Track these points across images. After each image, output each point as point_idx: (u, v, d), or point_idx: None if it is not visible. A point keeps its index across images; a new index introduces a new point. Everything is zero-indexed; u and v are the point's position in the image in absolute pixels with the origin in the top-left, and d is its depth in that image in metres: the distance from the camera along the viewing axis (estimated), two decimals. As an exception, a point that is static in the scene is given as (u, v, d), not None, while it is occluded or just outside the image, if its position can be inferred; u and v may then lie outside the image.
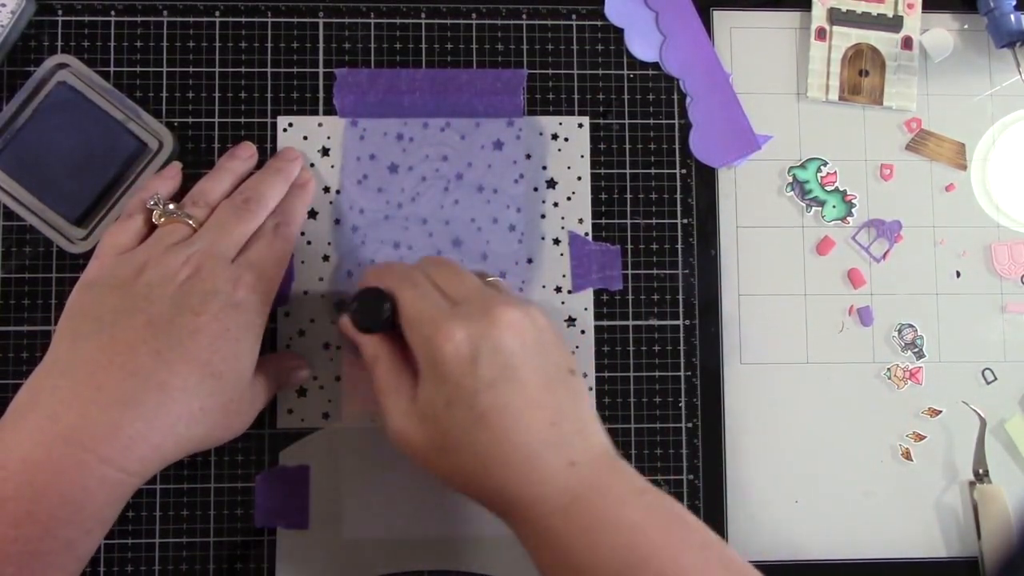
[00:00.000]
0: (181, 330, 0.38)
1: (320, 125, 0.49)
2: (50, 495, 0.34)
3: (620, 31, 0.50)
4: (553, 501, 0.36)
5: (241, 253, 0.42)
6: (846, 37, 0.51)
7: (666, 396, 0.48)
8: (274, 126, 0.49)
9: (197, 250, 0.41)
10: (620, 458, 0.38)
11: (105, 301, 0.39)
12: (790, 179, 0.50)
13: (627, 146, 0.50)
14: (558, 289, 0.49)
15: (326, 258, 0.48)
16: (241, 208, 0.43)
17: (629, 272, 0.49)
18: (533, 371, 0.37)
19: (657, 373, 0.49)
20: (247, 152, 0.47)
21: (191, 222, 0.42)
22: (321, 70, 0.49)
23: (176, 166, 0.46)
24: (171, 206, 0.43)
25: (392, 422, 0.38)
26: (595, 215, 0.49)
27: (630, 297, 0.49)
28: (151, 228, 0.43)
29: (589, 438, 0.37)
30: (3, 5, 0.46)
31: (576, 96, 0.50)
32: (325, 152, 0.49)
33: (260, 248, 0.43)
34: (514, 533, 0.37)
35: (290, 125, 0.49)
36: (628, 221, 0.49)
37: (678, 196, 0.50)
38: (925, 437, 0.49)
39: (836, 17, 0.51)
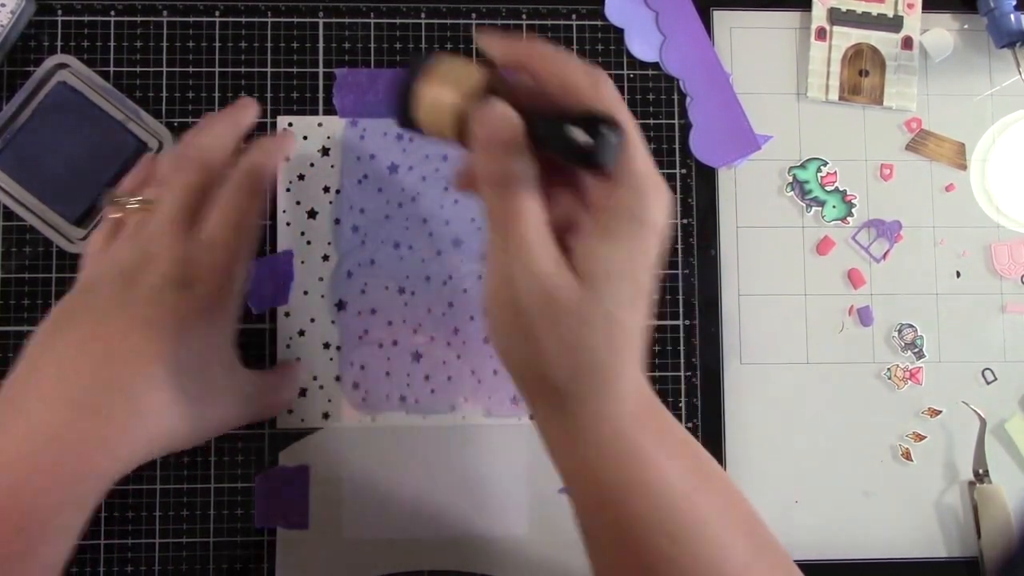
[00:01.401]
0: (129, 325, 0.36)
1: (320, 125, 0.49)
2: (3, 500, 0.33)
3: (620, 31, 0.50)
4: (630, 403, 0.33)
5: (200, 218, 0.39)
6: (846, 37, 0.51)
7: (666, 396, 0.48)
8: (274, 126, 0.49)
9: (144, 236, 0.38)
10: None
11: (65, 306, 0.38)
12: (790, 179, 0.50)
13: (627, 146, 0.50)
14: (558, 289, 0.49)
15: (326, 258, 0.48)
16: (180, 166, 0.39)
17: (629, 272, 0.49)
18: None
19: (657, 373, 0.49)
20: (210, 122, 0.43)
21: (148, 205, 0.40)
22: (321, 70, 0.49)
23: (148, 157, 0.45)
24: (131, 197, 0.41)
25: (540, 266, 0.31)
26: (595, 215, 0.49)
27: (630, 297, 0.49)
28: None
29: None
30: (3, 5, 0.46)
31: (576, 96, 0.50)
32: (325, 152, 0.49)
33: (216, 210, 0.39)
34: (570, 444, 0.34)
35: (290, 125, 0.49)
36: (628, 221, 0.49)
37: (678, 196, 0.50)
38: (925, 437, 0.49)
39: (836, 17, 0.51)
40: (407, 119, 0.33)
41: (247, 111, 0.44)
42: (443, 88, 0.32)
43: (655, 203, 0.32)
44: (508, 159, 0.31)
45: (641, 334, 0.34)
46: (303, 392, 0.47)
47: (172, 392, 0.36)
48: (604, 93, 0.32)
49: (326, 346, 0.48)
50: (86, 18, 0.48)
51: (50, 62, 0.46)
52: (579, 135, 0.29)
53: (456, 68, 0.33)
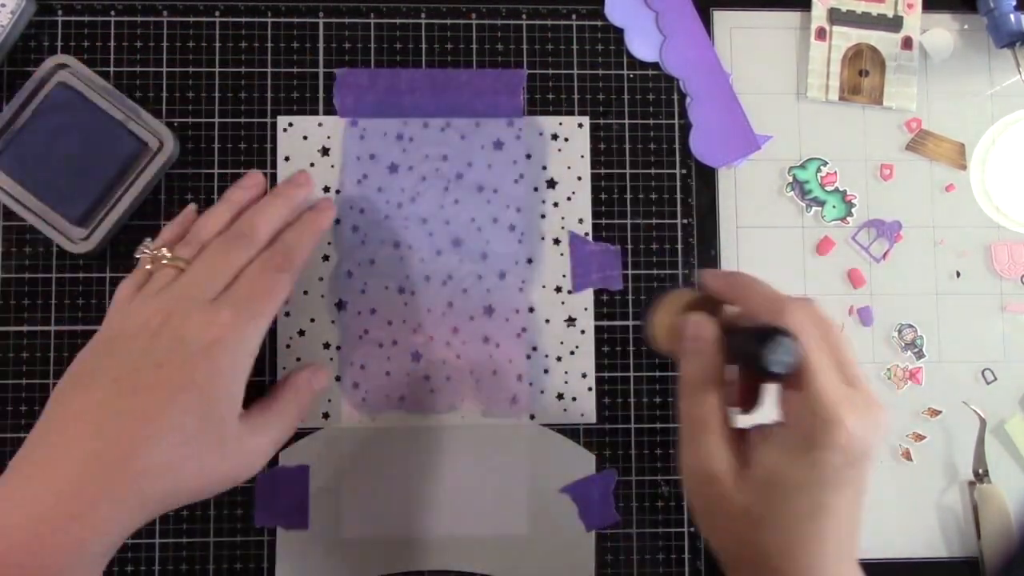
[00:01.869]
0: (140, 385, 0.37)
1: (320, 125, 0.49)
2: (11, 556, 0.34)
3: (620, 31, 0.50)
4: None
5: (228, 288, 0.41)
6: (846, 37, 0.51)
7: (666, 396, 0.48)
8: (274, 126, 0.49)
9: (172, 295, 0.40)
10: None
11: (88, 359, 0.39)
12: (790, 179, 0.50)
13: (627, 146, 0.50)
14: (558, 289, 0.49)
15: (326, 258, 0.48)
16: (230, 242, 0.42)
17: (629, 272, 0.49)
18: (865, 484, 0.35)
19: (657, 373, 0.49)
20: (252, 181, 0.46)
21: (181, 264, 0.41)
22: (321, 70, 0.49)
23: (190, 209, 0.45)
24: (164, 251, 0.42)
25: (709, 465, 0.35)
26: (595, 215, 0.49)
27: (630, 297, 0.49)
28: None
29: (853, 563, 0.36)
30: (3, 5, 0.46)
31: (576, 96, 0.50)
32: (325, 152, 0.49)
33: (244, 283, 0.41)
34: None
35: (290, 125, 0.49)
36: (628, 221, 0.49)
37: (678, 196, 0.50)
38: (925, 437, 0.49)
39: (836, 17, 0.51)
40: (652, 341, 0.40)
41: (302, 189, 0.46)
42: (664, 311, 0.39)
43: (834, 431, 0.33)
44: (700, 361, 0.36)
45: (833, 548, 0.34)
46: (303, 392, 0.47)
47: (184, 452, 0.37)
48: (789, 316, 0.35)
49: (326, 346, 0.48)
50: (86, 18, 0.49)
51: (50, 62, 0.46)
52: (755, 344, 0.33)
53: (677, 296, 0.40)
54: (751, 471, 0.35)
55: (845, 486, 0.34)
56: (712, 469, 0.35)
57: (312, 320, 0.48)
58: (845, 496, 0.34)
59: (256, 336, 0.40)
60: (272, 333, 0.47)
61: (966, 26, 0.52)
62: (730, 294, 0.38)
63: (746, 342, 0.35)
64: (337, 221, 0.48)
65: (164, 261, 0.42)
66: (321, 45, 0.49)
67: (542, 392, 0.48)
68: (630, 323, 0.49)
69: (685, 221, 0.50)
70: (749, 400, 0.38)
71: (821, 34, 0.51)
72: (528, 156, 0.49)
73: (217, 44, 0.49)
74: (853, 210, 0.50)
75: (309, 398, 0.45)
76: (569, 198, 0.49)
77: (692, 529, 0.48)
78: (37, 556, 0.34)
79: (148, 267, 0.42)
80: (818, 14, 0.51)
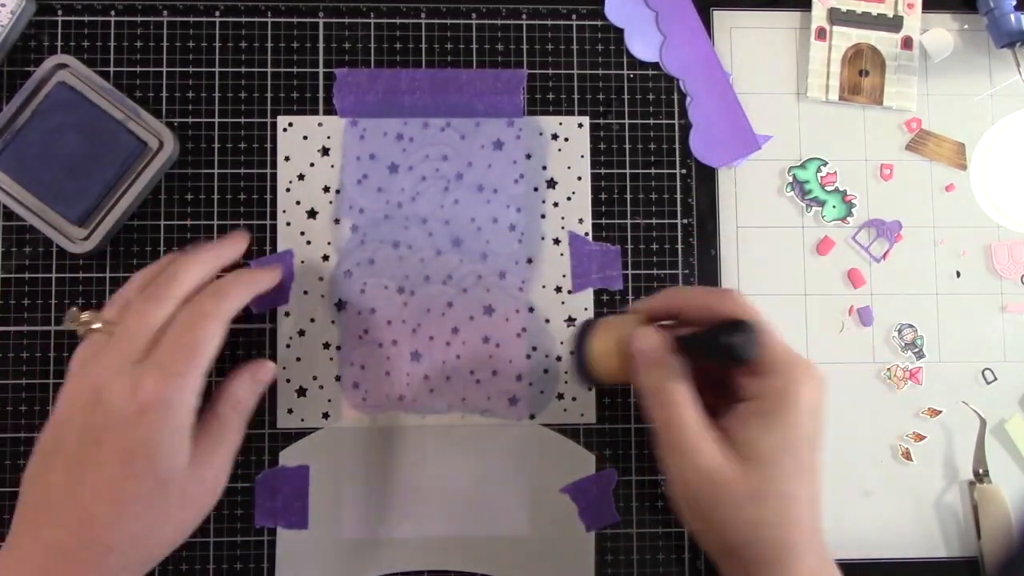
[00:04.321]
0: (87, 464, 0.37)
1: (320, 125, 0.49)
2: None
3: (620, 31, 0.50)
4: (808, 566, 0.37)
5: (155, 345, 0.39)
6: (846, 37, 0.51)
7: (666, 396, 0.48)
8: (274, 126, 0.49)
9: (99, 366, 0.39)
10: None
11: (48, 437, 0.39)
12: (790, 179, 0.50)
13: (627, 146, 0.50)
14: (558, 289, 0.49)
15: (326, 258, 0.48)
16: (147, 298, 0.40)
17: (629, 272, 0.49)
18: (821, 446, 0.38)
19: (657, 373, 0.49)
20: (236, 239, 0.45)
21: (104, 327, 0.40)
22: (321, 70, 0.49)
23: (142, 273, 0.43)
24: (86, 315, 0.41)
25: (704, 462, 0.37)
26: (595, 215, 0.49)
27: (630, 297, 0.49)
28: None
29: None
30: (3, 5, 0.46)
31: (576, 96, 0.50)
32: (325, 152, 0.49)
33: (168, 339, 0.39)
34: None
35: (290, 125, 0.49)
36: (628, 221, 0.49)
37: (678, 196, 0.50)
38: (925, 437, 0.49)
39: (836, 17, 0.51)
40: (586, 374, 0.41)
41: (236, 247, 0.45)
42: (600, 339, 0.40)
43: (804, 386, 0.37)
44: (661, 371, 0.38)
45: (813, 506, 0.37)
46: (303, 392, 0.47)
47: (145, 520, 0.38)
48: (732, 303, 0.38)
49: (326, 346, 0.48)
50: (86, 18, 0.49)
51: (50, 62, 0.46)
52: (724, 338, 0.36)
53: (615, 321, 0.41)
54: (738, 453, 0.37)
55: (814, 445, 0.37)
56: (706, 464, 0.37)
57: (312, 320, 0.48)
58: (815, 456, 0.37)
59: (188, 392, 0.38)
60: (272, 333, 0.47)
61: (966, 26, 0.52)
62: (668, 308, 0.40)
63: (709, 341, 0.37)
64: (337, 221, 0.48)
65: (94, 327, 0.40)
66: (321, 45, 0.49)
67: (542, 392, 0.48)
68: (630, 323, 0.49)
69: (685, 221, 0.50)
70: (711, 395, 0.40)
71: (821, 34, 0.51)
72: (528, 156, 0.49)
73: (217, 44, 0.49)
74: (853, 210, 0.50)
75: (251, 402, 0.44)
76: (569, 198, 0.49)
77: (692, 529, 0.48)
78: None
79: (80, 332, 0.41)
80: (818, 14, 0.51)
